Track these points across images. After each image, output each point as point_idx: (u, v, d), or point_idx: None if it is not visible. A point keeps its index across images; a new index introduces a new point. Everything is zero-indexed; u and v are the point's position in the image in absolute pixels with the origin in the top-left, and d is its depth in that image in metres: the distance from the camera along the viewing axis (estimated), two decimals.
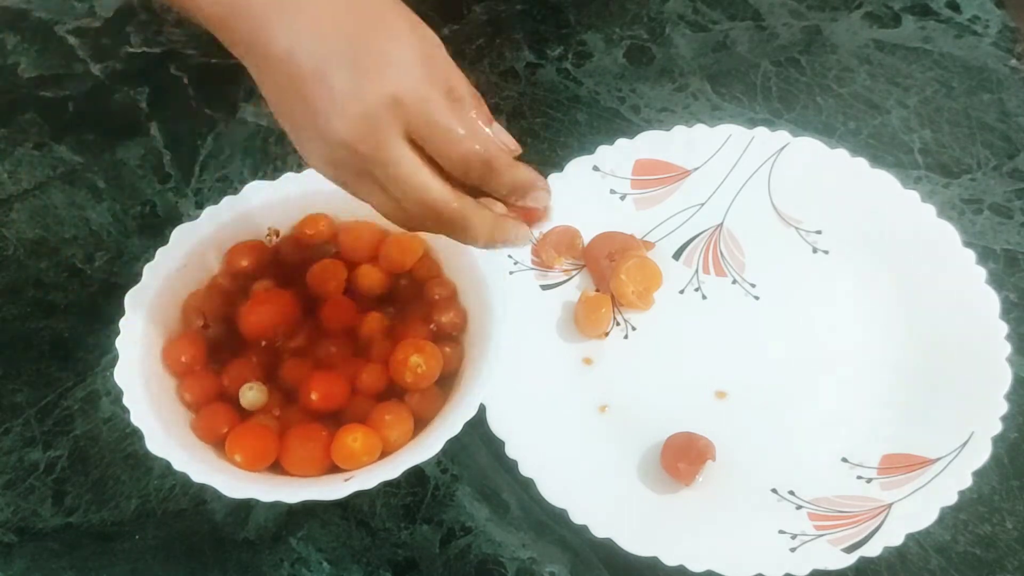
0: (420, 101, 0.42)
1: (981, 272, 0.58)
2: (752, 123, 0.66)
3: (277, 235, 0.58)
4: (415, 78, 0.43)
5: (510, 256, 0.61)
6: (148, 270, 0.55)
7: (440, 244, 0.58)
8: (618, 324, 0.60)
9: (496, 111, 0.70)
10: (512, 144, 0.46)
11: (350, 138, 0.42)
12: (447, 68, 0.45)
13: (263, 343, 0.55)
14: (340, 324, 0.55)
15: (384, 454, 0.51)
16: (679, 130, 0.65)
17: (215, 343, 0.55)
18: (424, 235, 0.57)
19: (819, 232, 0.63)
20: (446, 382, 0.54)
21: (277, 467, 0.51)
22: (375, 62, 0.42)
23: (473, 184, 0.44)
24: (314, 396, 0.52)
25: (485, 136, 0.44)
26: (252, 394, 0.52)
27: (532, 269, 0.62)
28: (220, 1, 0.43)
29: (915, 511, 0.51)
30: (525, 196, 0.46)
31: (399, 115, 0.42)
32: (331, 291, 0.56)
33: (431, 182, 0.43)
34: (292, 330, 0.55)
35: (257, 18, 0.43)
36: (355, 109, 0.41)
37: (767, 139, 0.65)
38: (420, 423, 0.52)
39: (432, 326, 0.55)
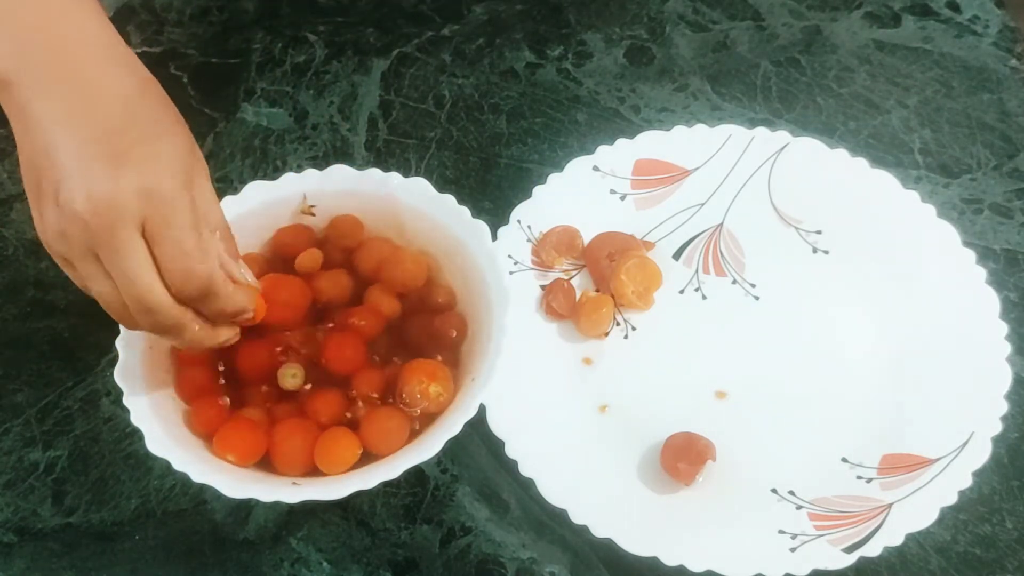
0: (168, 202, 0.44)
1: (981, 272, 0.58)
2: (752, 123, 0.66)
3: (312, 212, 0.58)
4: (173, 183, 0.44)
5: (510, 256, 0.61)
6: None
7: (431, 248, 0.58)
8: (618, 324, 0.60)
9: (496, 111, 0.70)
10: (253, 281, 0.49)
11: (87, 214, 0.42)
12: (208, 195, 0.46)
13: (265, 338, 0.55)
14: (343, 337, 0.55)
15: (374, 459, 0.51)
16: (679, 130, 0.65)
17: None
18: (405, 241, 0.58)
19: (819, 232, 0.63)
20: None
21: (267, 463, 0.51)
22: (141, 155, 0.43)
23: (184, 302, 0.45)
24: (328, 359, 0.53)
25: (214, 262, 0.45)
26: (293, 379, 0.53)
27: (532, 269, 0.62)
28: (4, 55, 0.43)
29: (915, 511, 0.51)
30: (233, 321, 0.49)
31: (142, 208, 0.43)
32: (337, 304, 0.56)
33: (154, 283, 0.44)
34: (297, 323, 0.55)
35: (34, 85, 0.43)
36: (102, 188, 0.42)
37: (767, 139, 0.65)
38: (412, 432, 0.52)
39: (432, 334, 0.55)
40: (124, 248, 0.43)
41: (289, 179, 0.58)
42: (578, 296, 0.61)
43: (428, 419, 0.52)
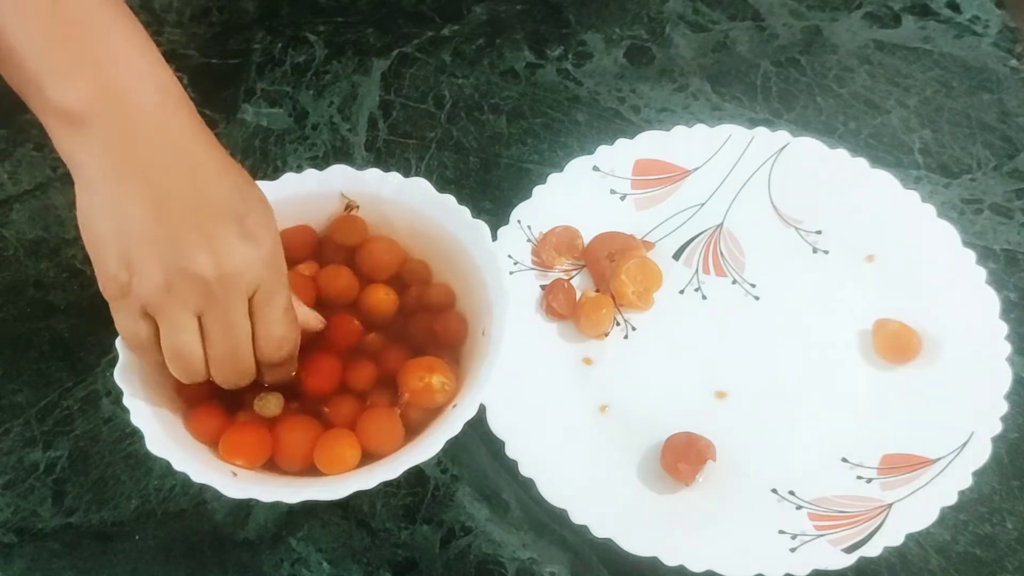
0: (280, 275, 0.46)
1: (981, 272, 0.58)
2: (752, 123, 0.66)
3: (356, 205, 0.58)
4: (282, 254, 0.47)
5: (510, 256, 0.61)
6: None
7: (431, 248, 0.58)
8: (618, 324, 0.60)
9: (496, 111, 0.70)
10: (321, 320, 0.53)
11: (213, 278, 0.43)
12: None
13: None
14: (343, 336, 0.55)
15: (373, 459, 0.51)
16: (679, 130, 0.65)
17: None
18: (404, 241, 0.58)
19: (819, 232, 0.63)
20: None
21: (268, 463, 0.52)
22: (260, 225, 0.45)
23: (267, 363, 0.48)
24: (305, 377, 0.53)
25: (298, 331, 0.49)
26: (268, 405, 0.53)
27: (532, 269, 0.62)
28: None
29: (915, 511, 0.51)
30: (274, 380, 0.51)
31: (261, 275, 0.45)
32: (340, 304, 0.56)
33: (249, 344, 0.46)
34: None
35: (123, 132, 0.43)
36: (234, 257, 0.43)
37: (767, 139, 0.65)
38: (412, 432, 0.52)
39: (432, 334, 0.55)
40: (236, 312, 0.45)
41: (289, 179, 0.58)
42: (578, 296, 0.61)
43: (428, 418, 0.52)
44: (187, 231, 0.43)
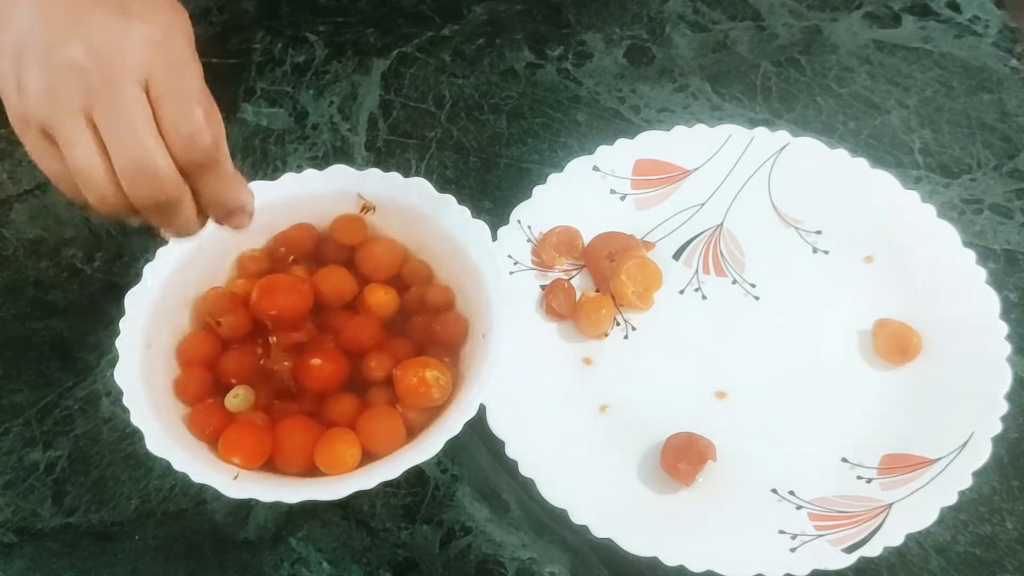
0: (178, 61, 0.40)
1: (981, 272, 0.58)
2: (752, 123, 0.66)
3: (369, 209, 0.58)
4: (183, 42, 0.40)
5: (510, 256, 0.61)
6: (148, 270, 0.54)
7: (431, 248, 0.58)
8: (618, 324, 0.60)
9: (496, 111, 0.70)
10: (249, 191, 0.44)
11: (88, 64, 0.37)
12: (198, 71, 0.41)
13: (263, 340, 0.55)
14: (344, 335, 0.56)
15: (373, 459, 0.51)
16: (679, 130, 0.65)
17: (227, 340, 0.55)
18: (405, 241, 0.58)
19: (819, 232, 0.63)
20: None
21: (268, 463, 0.52)
22: (145, 9, 0.40)
23: (188, 168, 0.40)
24: (315, 362, 0.53)
25: (219, 128, 0.41)
26: (237, 401, 0.52)
27: (532, 269, 0.62)
28: None
29: (915, 511, 0.51)
30: (229, 215, 0.44)
31: (151, 61, 0.38)
32: (341, 304, 0.56)
33: (158, 145, 0.38)
34: (297, 319, 0.55)
35: None
36: (106, 37, 0.38)
37: (767, 139, 0.65)
38: (412, 432, 0.52)
39: (432, 334, 0.55)
40: (128, 102, 0.38)
41: (289, 179, 0.58)
42: (578, 296, 0.61)
43: (428, 418, 0.52)
44: (62, 26, 0.38)
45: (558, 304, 0.60)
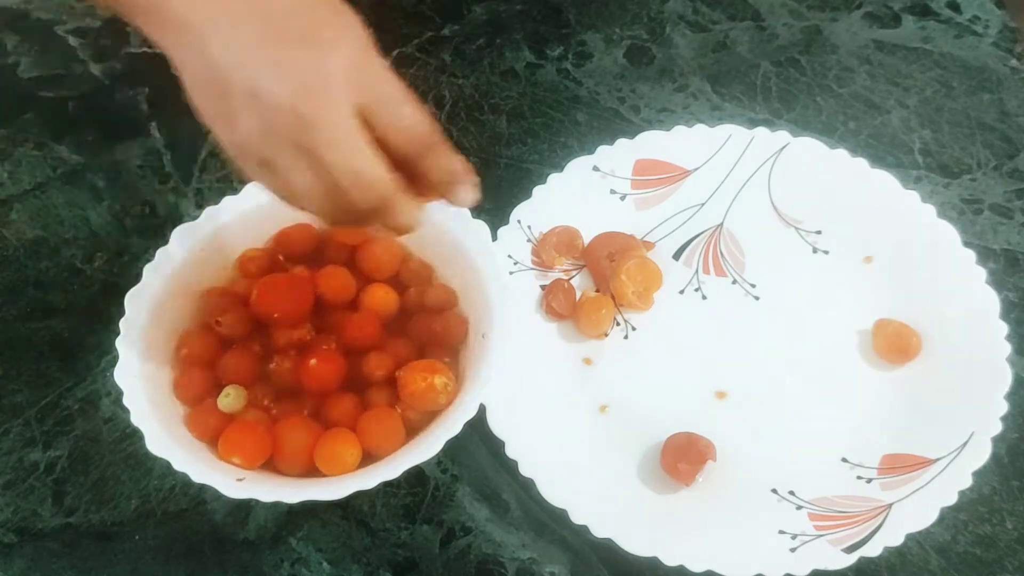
0: (378, 75, 0.42)
1: (981, 272, 0.58)
2: (752, 123, 0.66)
3: None
4: (375, 56, 0.43)
5: (510, 256, 0.61)
6: (148, 270, 0.54)
7: (431, 249, 0.58)
8: (618, 324, 0.60)
9: (496, 111, 0.70)
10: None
11: (291, 99, 0.40)
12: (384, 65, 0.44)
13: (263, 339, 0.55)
14: (344, 332, 0.56)
15: (373, 460, 0.51)
16: (679, 130, 0.65)
17: (227, 340, 0.55)
18: (405, 241, 0.57)
19: (819, 232, 0.63)
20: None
21: (268, 463, 0.52)
22: (333, 35, 0.42)
23: (412, 158, 0.43)
24: (313, 362, 0.53)
25: (429, 118, 0.44)
26: (228, 400, 0.53)
27: (532, 269, 0.62)
28: None
29: (915, 511, 0.51)
30: (455, 186, 0.45)
31: (353, 83, 0.41)
32: (341, 304, 0.56)
33: (375, 156, 0.42)
34: (297, 319, 0.55)
35: None
36: (306, 73, 0.40)
37: (767, 139, 0.65)
38: (412, 432, 0.52)
39: (432, 335, 0.55)
40: (337, 123, 0.41)
41: None
42: (578, 296, 0.61)
43: (428, 419, 0.52)
44: (264, 70, 0.40)
45: (558, 304, 0.60)
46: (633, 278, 0.60)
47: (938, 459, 0.53)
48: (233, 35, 0.41)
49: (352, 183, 0.42)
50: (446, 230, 0.56)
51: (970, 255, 0.59)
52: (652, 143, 0.65)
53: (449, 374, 0.52)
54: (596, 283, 0.62)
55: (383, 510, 0.54)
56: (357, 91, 0.41)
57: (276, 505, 0.54)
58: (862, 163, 0.63)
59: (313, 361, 0.53)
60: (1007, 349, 0.55)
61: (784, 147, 0.64)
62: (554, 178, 0.63)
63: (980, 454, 0.52)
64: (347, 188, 0.42)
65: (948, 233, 0.60)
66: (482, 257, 0.55)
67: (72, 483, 0.56)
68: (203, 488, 0.49)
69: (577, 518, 0.52)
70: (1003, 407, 0.53)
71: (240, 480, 0.48)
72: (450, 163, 0.44)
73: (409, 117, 0.43)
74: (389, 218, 0.44)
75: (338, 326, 0.55)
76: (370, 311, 0.56)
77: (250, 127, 0.41)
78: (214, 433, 0.51)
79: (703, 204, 0.64)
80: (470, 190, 0.45)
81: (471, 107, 0.71)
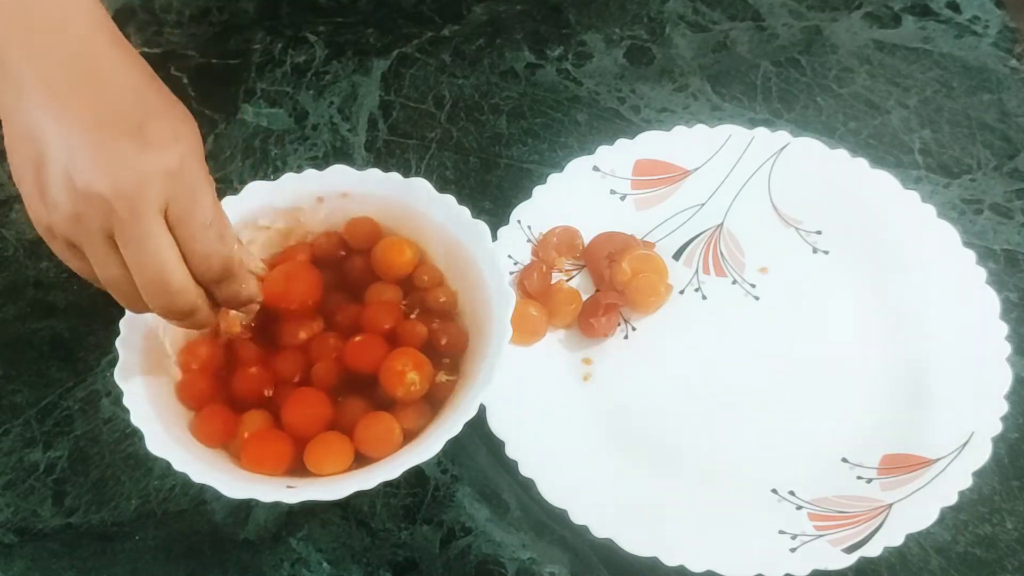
0: (194, 185, 0.43)
1: (981, 272, 0.58)
2: (752, 123, 0.66)
3: None
4: (197, 165, 0.44)
5: (510, 256, 0.61)
6: None
7: (431, 249, 0.58)
8: (618, 324, 0.60)
9: (496, 111, 0.70)
10: (260, 265, 0.51)
11: (111, 196, 0.40)
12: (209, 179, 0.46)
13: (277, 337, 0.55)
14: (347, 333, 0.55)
15: (368, 462, 0.51)
16: (679, 130, 0.65)
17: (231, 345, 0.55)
18: (415, 240, 0.57)
19: (819, 232, 0.63)
20: (444, 386, 0.54)
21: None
22: (162, 136, 0.42)
23: (204, 283, 0.45)
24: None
25: (233, 245, 0.46)
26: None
27: None
28: None
29: (915, 511, 0.51)
30: (241, 308, 0.50)
31: (168, 190, 0.42)
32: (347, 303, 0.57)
33: (178, 265, 0.43)
34: (308, 310, 0.55)
35: (30, 54, 0.42)
36: (128, 170, 0.41)
37: (767, 139, 0.65)
38: (408, 434, 0.52)
39: (432, 335, 0.55)
40: (149, 231, 0.42)
41: (289, 179, 0.58)
42: (578, 297, 0.60)
43: (427, 418, 0.52)
44: (87, 154, 0.41)
45: (530, 284, 0.59)
46: (635, 267, 0.60)
47: (938, 459, 0.53)
48: (64, 109, 0.41)
49: (156, 289, 0.43)
50: (446, 230, 0.56)
51: (970, 255, 0.59)
52: (652, 143, 0.65)
53: (427, 375, 0.52)
54: (596, 283, 0.62)
55: (383, 510, 0.54)
56: (170, 198, 0.42)
57: (276, 505, 0.54)
58: (862, 163, 0.63)
59: (316, 364, 0.53)
60: (1007, 349, 0.55)
61: (784, 147, 0.64)
62: (554, 178, 0.63)
63: (980, 454, 0.52)
64: (151, 292, 0.43)
65: (948, 233, 0.60)
66: (482, 257, 0.54)
67: (72, 483, 0.56)
68: (203, 488, 0.49)
69: (577, 518, 0.52)
70: (1003, 407, 0.53)
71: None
72: (236, 293, 0.47)
73: (207, 244, 0.44)
74: (187, 322, 0.46)
75: (341, 328, 0.55)
76: (372, 312, 0.56)
77: (62, 209, 0.41)
78: (222, 436, 0.51)
79: (703, 204, 0.64)
80: (251, 311, 0.51)
81: (471, 107, 0.71)
